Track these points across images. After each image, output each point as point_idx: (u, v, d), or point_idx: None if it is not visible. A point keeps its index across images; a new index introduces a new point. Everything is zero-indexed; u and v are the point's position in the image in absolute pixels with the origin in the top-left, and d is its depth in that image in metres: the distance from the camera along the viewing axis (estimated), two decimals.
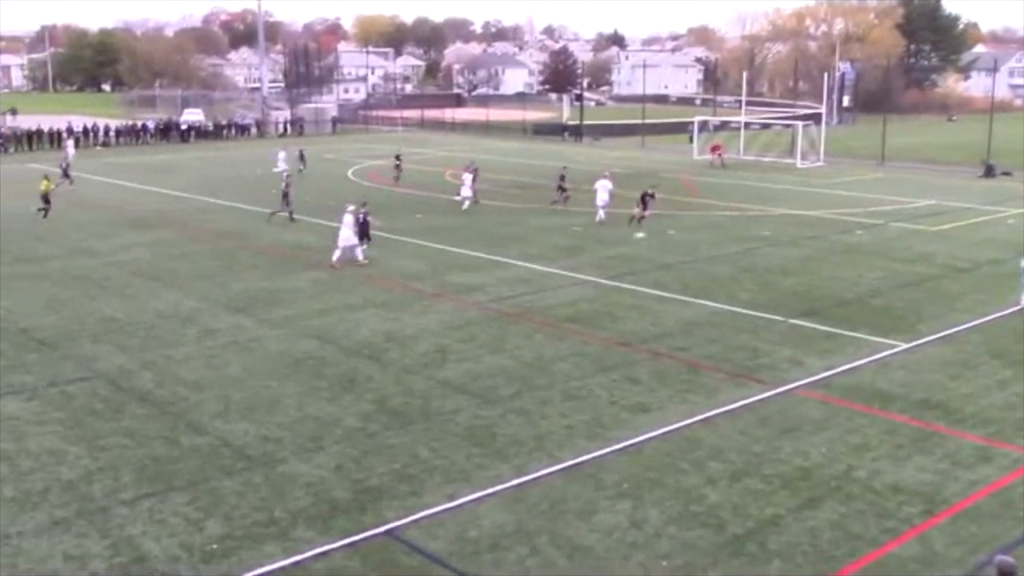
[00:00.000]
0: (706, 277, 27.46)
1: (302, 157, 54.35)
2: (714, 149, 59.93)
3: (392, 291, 25.87)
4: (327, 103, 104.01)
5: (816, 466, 14.67)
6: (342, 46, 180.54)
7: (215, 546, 12.30)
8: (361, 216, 29.54)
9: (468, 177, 40.52)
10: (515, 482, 14.11)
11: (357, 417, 16.70)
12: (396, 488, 13.93)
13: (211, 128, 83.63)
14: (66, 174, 47.38)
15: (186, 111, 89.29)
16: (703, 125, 67.27)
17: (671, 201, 41.89)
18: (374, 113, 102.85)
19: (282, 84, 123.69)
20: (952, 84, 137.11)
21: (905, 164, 58.20)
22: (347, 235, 28.77)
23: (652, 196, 36.03)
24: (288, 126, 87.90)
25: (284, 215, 36.89)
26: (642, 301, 24.75)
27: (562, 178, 41.20)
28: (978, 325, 22.43)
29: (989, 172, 53.13)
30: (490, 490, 13.85)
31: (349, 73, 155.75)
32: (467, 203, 40.07)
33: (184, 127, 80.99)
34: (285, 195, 37.05)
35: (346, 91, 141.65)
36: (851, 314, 23.45)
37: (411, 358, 19.99)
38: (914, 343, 20.95)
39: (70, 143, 65.96)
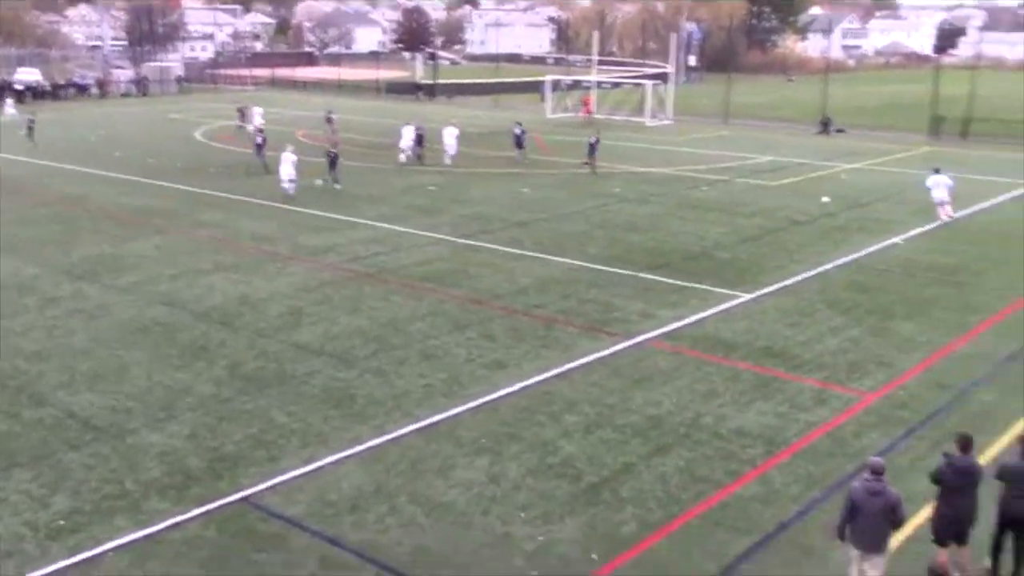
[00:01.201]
0: (559, 234, 27.92)
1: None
2: (584, 103, 61.97)
3: (244, 254, 25.32)
4: (172, 62, 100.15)
5: (666, 414, 15.24)
6: (188, 2, 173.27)
7: (63, 522, 11.92)
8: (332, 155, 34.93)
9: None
10: (374, 443, 14.15)
11: (210, 383, 16.37)
12: (252, 454, 13.77)
13: (48, 88, 79.37)
14: None
15: (19, 70, 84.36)
16: (555, 84, 67.85)
17: (525, 160, 42.22)
18: (223, 72, 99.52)
19: (125, 42, 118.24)
20: (791, 45, 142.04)
21: (748, 122, 60.24)
22: (288, 172, 32.66)
23: (597, 142, 39.51)
24: (131, 86, 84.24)
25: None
26: (497, 259, 25.00)
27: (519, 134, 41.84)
28: (815, 275, 23.59)
29: (825, 128, 55.60)
30: (349, 452, 13.86)
31: (196, 31, 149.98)
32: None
33: (19, 87, 76.52)
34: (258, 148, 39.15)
35: (192, 49, 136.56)
36: (698, 267, 24.29)
37: (265, 322, 19.68)
38: (756, 294, 21.89)
39: None
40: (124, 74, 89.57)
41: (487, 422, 14.90)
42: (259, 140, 40.17)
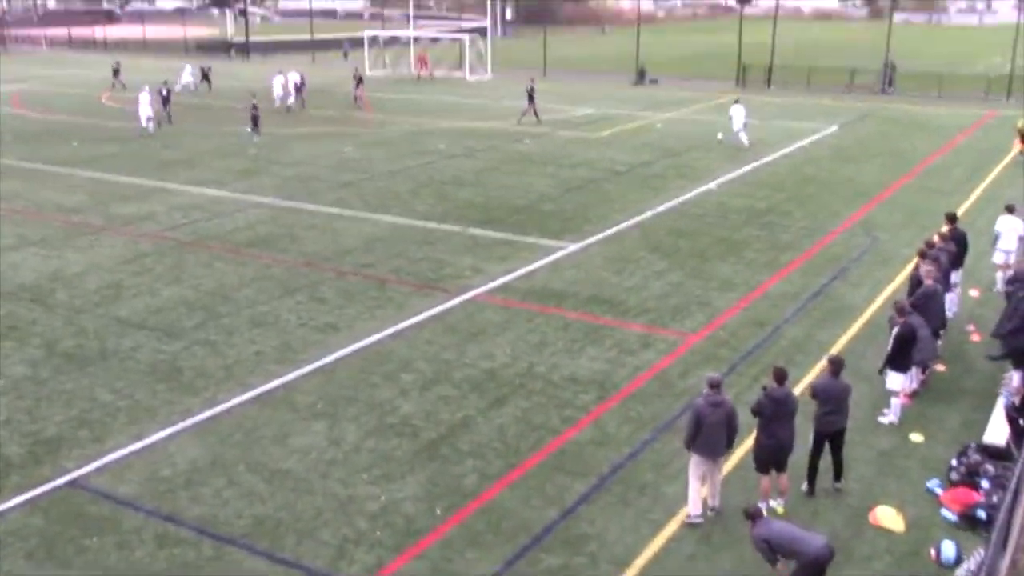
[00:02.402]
0: (385, 193, 27.70)
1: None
2: (421, 61, 61.09)
3: (51, 227, 23.95)
4: None
5: (501, 367, 15.48)
6: None
7: None
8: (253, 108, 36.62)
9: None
10: (206, 415, 13.79)
11: (24, 365, 15.51)
12: (76, 435, 13.17)
13: None
14: None
15: None
16: (372, 40, 66.81)
17: (346, 118, 41.57)
18: (13, 32, 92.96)
19: None
20: None
21: (566, 74, 61.11)
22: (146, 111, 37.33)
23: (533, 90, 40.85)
24: None
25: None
26: (323, 221, 24.60)
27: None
28: (637, 223, 24.35)
29: (641, 79, 57.09)
30: (180, 426, 13.46)
31: None
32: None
33: None
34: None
35: None
36: (524, 220, 24.63)
37: (81, 297, 18.74)
38: (583, 243, 22.41)
39: None
40: None
41: (323, 386, 14.76)
42: (164, 93, 40.84)
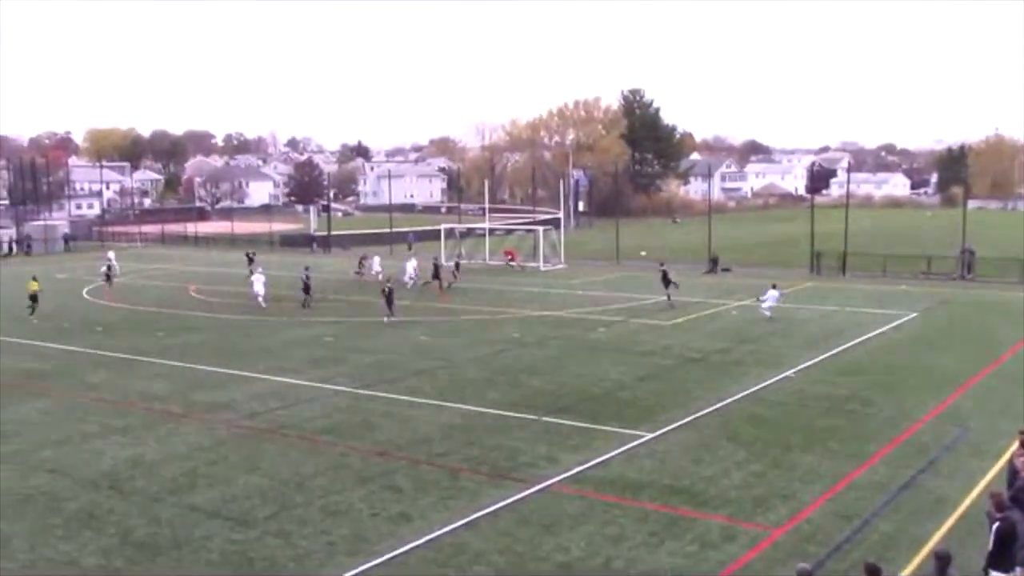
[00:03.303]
0: (460, 381, 27.79)
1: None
2: (508, 254, 62.57)
3: (133, 414, 24.41)
4: (58, 220, 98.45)
5: (576, 560, 14.96)
6: (73, 160, 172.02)
7: None
8: (386, 289, 38.90)
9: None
10: None
11: (97, 555, 15.46)
12: None
13: None
14: None
15: None
16: (449, 232, 68.90)
17: (422, 307, 42.37)
18: (111, 229, 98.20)
19: (6, 201, 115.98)
20: (674, 189, 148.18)
21: (638, 263, 61.91)
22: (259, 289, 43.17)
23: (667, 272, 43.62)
24: (14, 245, 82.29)
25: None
26: (397, 408, 24.66)
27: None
28: (714, 411, 23.91)
29: (714, 267, 57.52)
30: None
31: (82, 188, 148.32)
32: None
33: None
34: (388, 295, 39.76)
35: (79, 207, 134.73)
36: (599, 408, 24.38)
37: (158, 485, 18.83)
38: (658, 432, 22.01)
39: None
40: (6, 233, 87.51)
41: None
42: (387, 289, 40.56)
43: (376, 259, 57.13)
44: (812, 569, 10.57)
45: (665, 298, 43.12)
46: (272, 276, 49.29)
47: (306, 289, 43.18)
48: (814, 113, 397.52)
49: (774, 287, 38.91)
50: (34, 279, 44.11)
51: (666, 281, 43.29)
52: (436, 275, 49.52)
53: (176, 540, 16.01)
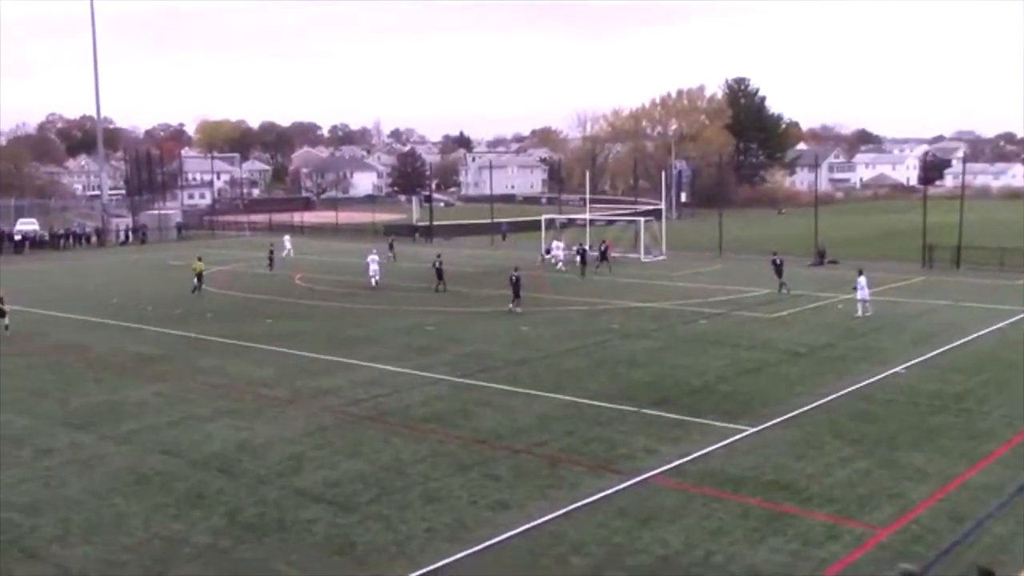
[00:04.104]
0: (559, 371, 27.82)
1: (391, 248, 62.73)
2: (605, 244, 62.54)
3: (243, 399, 25.14)
4: (171, 209, 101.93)
5: (675, 554, 14.84)
6: (186, 152, 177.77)
7: None
8: (514, 277, 38.94)
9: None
10: None
11: (207, 533, 15.98)
12: None
13: (47, 238, 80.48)
14: None
15: (20, 221, 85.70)
16: (550, 223, 68.91)
17: (523, 298, 42.45)
18: (220, 218, 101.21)
19: (123, 191, 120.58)
20: (779, 179, 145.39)
21: (741, 255, 60.89)
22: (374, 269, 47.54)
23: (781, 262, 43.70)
24: (130, 233, 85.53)
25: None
26: (497, 398, 24.82)
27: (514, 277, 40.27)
28: (819, 406, 23.40)
29: (821, 260, 56.19)
30: None
31: (194, 179, 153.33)
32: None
33: (18, 237, 77.57)
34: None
35: (191, 197, 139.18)
36: (699, 401, 24.12)
37: (265, 468, 19.36)
38: (760, 426, 21.66)
39: None
40: (123, 222, 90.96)
41: (493, 566, 14.50)
42: (514, 277, 39.84)
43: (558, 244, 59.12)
44: (919, 570, 10.10)
45: (776, 289, 42.74)
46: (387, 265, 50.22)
47: (439, 275, 44.95)
48: (928, 101, 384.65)
49: (860, 273, 37.30)
50: (199, 259, 47.95)
51: (779, 271, 43.01)
52: (583, 260, 52.44)
53: (282, 522, 16.45)
